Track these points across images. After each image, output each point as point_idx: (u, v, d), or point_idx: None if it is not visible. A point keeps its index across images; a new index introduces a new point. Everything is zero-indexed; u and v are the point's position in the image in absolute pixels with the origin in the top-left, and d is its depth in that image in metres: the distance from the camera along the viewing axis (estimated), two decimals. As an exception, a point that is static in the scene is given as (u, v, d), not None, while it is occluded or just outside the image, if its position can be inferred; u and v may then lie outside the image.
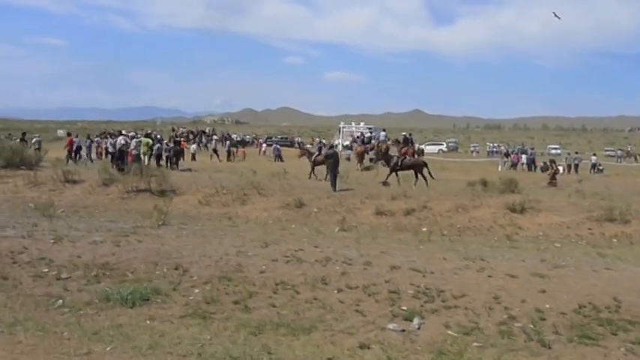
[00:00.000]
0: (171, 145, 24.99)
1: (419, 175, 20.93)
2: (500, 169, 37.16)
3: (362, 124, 57.80)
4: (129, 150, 19.90)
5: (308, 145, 43.27)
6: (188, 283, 7.99)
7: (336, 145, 21.84)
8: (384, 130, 42.36)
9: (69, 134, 27.37)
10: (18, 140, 23.20)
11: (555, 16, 24.51)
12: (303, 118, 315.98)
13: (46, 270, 8.29)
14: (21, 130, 48.01)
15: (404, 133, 39.85)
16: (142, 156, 20.63)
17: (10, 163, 18.37)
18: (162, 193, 16.71)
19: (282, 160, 35.92)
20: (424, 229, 14.31)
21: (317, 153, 25.50)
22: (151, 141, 21.64)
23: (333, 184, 18.16)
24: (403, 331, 6.57)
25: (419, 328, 6.66)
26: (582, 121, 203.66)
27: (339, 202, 16.44)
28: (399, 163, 21.22)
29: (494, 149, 59.86)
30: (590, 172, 35.63)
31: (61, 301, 6.95)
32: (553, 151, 62.87)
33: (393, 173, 21.02)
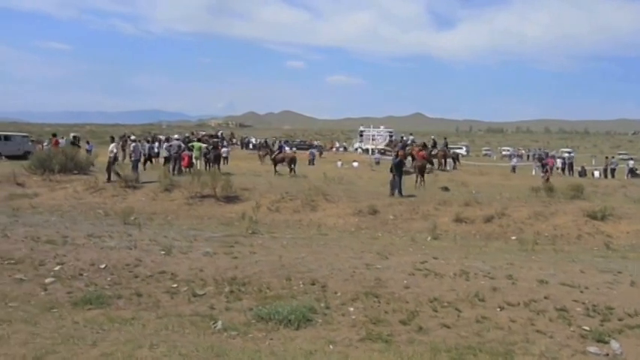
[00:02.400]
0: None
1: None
2: (534, 173, 36.54)
3: (382, 127, 57.29)
4: (181, 154, 19.32)
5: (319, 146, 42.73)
6: (335, 299, 7.34)
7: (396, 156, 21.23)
8: (411, 135, 41.85)
9: (54, 135, 25.82)
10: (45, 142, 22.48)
11: None
12: (305, 121, 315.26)
13: (175, 285, 7.66)
14: (32, 133, 47.33)
15: (433, 137, 39.43)
16: (194, 161, 20.04)
17: (64, 167, 17.69)
18: (227, 199, 16.07)
19: (313, 164, 35.25)
20: (513, 238, 13.74)
21: (277, 151, 26.17)
22: (203, 145, 21.02)
23: (400, 190, 17.52)
24: (607, 355, 5.94)
25: (621, 353, 6.03)
26: (583, 125, 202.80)
27: (412, 209, 15.82)
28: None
29: (515, 153, 59.33)
30: (627, 177, 34.97)
31: (220, 322, 6.29)
32: (566, 155, 62.48)
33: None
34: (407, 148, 34.60)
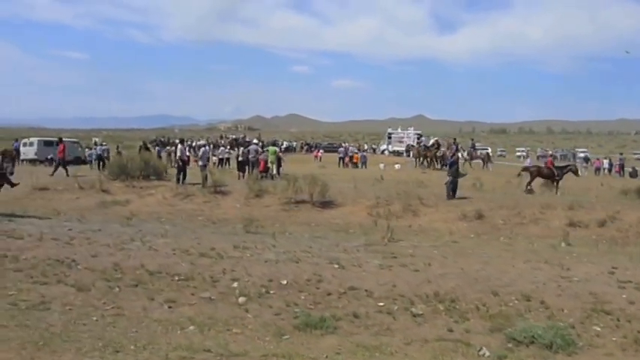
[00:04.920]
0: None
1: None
2: (580, 174, 35.72)
3: (411, 129, 56.58)
4: (258, 158, 18.66)
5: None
6: (568, 317, 6.62)
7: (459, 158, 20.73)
8: (427, 137, 41.41)
9: (60, 140, 23.25)
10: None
11: (627, 52, 23.70)
12: (311, 124, 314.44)
13: (382, 304, 6.93)
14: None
15: (437, 138, 39.15)
16: (270, 165, 19.34)
17: (144, 173, 16.99)
18: (322, 205, 15.35)
19: (365, 167, 34.55)
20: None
21: (261, 151, 25.62)
22: (278, 149, 20.33)
23: (453, 192, 16.69)
24: None
25: None
26: (585, 125, 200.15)
27: (516, 213, 15.07)
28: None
29: (542, 153, 58.42)
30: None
31: (484, 348, 5.56)
32: (582, 155, 61.86)
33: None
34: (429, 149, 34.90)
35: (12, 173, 12.49)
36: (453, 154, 23.83)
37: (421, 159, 34.07)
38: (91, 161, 26.38)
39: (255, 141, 24.83)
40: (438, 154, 32.95)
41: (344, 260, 8.67)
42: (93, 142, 66.02)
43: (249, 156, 18.82)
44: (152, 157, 18.41)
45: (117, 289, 7.19)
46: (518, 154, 65.25)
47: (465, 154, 36.98)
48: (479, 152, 41.49)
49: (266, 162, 19.22)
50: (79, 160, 26.33)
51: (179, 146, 18.47)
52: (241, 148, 20.01)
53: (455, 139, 31.85)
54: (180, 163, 17.40)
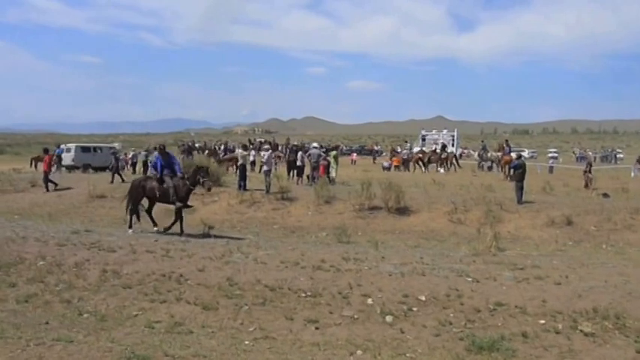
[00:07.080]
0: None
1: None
2: (633, 175, 34.55)
3: (445, 130, 55.57)
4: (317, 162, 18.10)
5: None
6: None
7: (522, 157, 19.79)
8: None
9: (46, 151, 20.79)
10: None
11: None
12: (328, 126, 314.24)
13: (543, 322, 6.26)
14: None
15: (442, 141, 38.39)
16: (330, 169, 18.76)
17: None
18: (398, 211, 14.68)
19: (408, 170, 33.77)
20: None
21: (223, 153, 25.85)
22: (336, 152, 19.77)
23: (520, 196, 15.78)
24: None
25: None
26: (610, 124, 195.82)
27: (605, 219, 14.19)
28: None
29: (581, 155, 56.91)
30: None
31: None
32: (619, 156, 60.13)
33: None
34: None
35: (209, 189, 11.93)
36: (519, 157, 22.82)
37: (421, 162, 33.19)
38: (123, 168, 26.00)
39: (315, 144, 24.25)
40: (442, 156, 32.69)
41: (472, 272, 8.00)
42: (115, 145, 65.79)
43: (312, 161, 18.27)
44: (209, 162, 17.73)
45: (245, 307, 6.66)
46: (550, 155, 63.80)
47: (476, 155, 36.21)
48: (489, 154, 40.61)
49: (325, 167, 18.61)
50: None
51: (240, 151, 18.02)
52: (299, 153, 19.37)
53: (507, 140, 30.82)
54: (243, 169, 16.93)
